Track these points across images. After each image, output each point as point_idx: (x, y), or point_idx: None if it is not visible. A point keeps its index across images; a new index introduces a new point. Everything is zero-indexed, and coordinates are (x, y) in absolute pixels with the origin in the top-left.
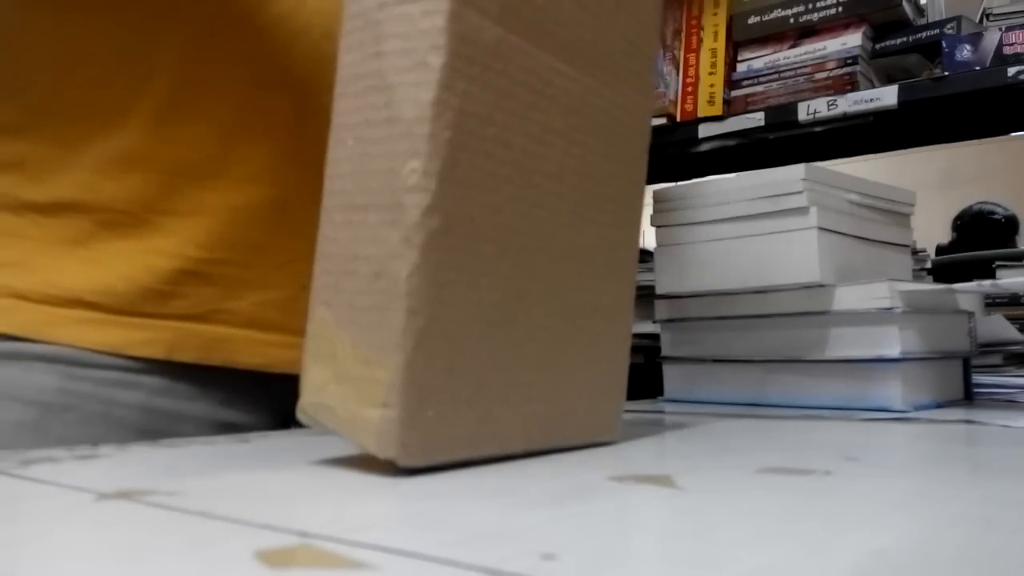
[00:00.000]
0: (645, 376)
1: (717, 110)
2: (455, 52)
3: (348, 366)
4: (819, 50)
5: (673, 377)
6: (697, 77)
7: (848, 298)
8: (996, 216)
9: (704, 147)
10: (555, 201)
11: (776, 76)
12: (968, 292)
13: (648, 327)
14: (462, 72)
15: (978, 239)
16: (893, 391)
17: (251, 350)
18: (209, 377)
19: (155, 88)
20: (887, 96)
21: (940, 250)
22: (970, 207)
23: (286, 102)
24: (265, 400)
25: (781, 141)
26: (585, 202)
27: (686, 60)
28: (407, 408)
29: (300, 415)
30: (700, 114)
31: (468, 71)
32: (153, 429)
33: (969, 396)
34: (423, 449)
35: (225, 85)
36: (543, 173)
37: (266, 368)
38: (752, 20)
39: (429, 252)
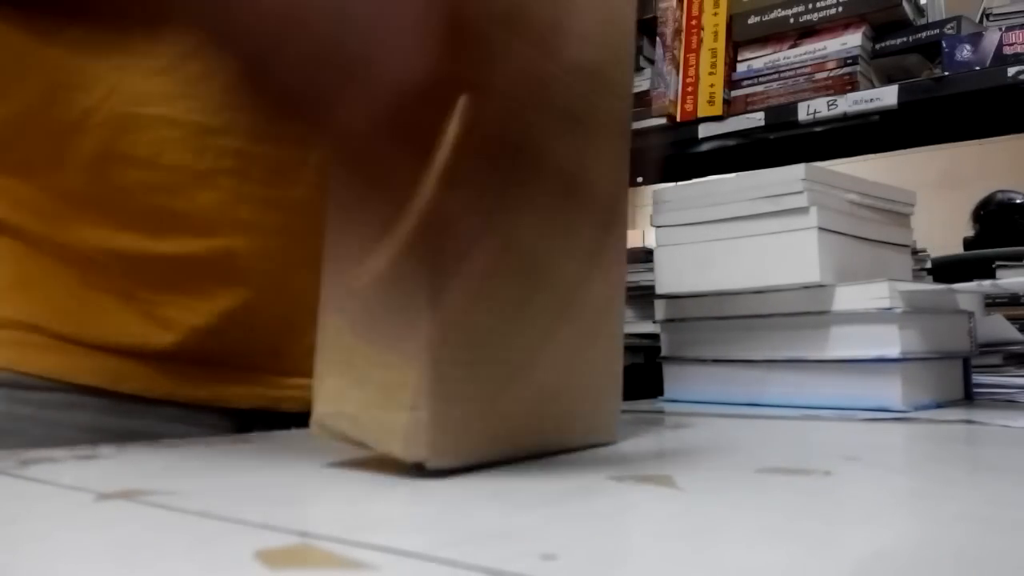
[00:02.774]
0: (645, 376)
1: (717, 110)
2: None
3: (368, 371)
4: (819, 50)
5: (673, 377)
6: (697, 77)
7: (848, 298)
8: (1020, 202)
9: (704, 147)
10: (554, 201)
11: (776, 76)
12: (968, 292)
13: (648, 327)
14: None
15: (1005, 228)
16: (893, 391)
17: (197, 385)
18: (155, 399)
19: (86, 132)
20: (887, 96)
21: (968, 243)
22: (992, 196)
23: (228, 150)
24: (213, 418)
25: (781, 141)
26: (579, 203)
27: (686, 60)
28: (435, 409)
29: (314, 428)
30: (700, 114)
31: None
32: None
33: (969, 396)
34: (451, 450)
35: (159, 134)
36: (542, 173)
37: (212, 403)
38: (752, 20)
39: (447, 250)
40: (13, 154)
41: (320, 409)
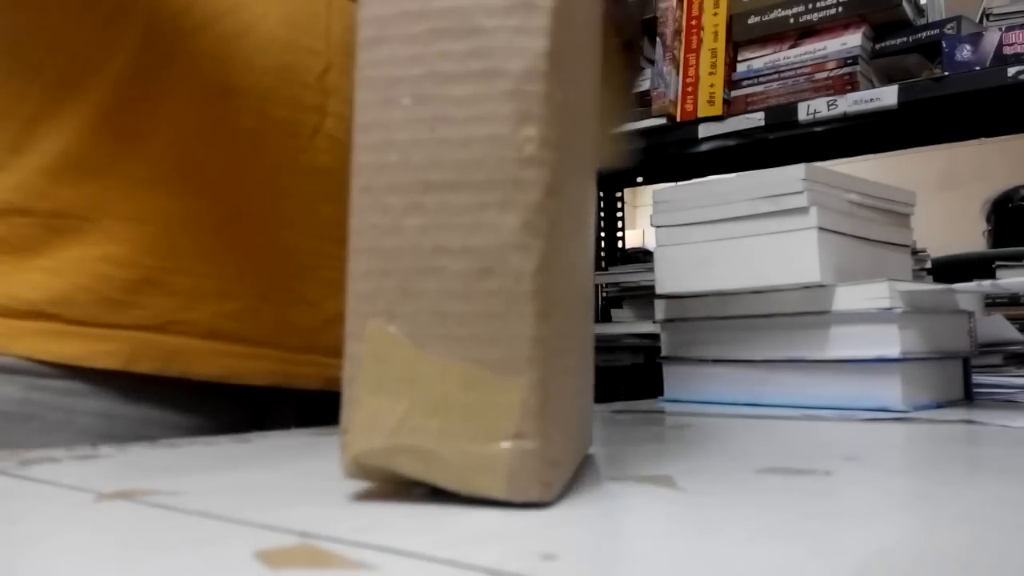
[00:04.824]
0: (645, 376)
1: (717, 110)
2: None
3: (445, 392)
4: (819, 50)
5: (673, 377)
6: (697, 77)
7: (848, 298)
8: None
9: (704, 147)
10: (572, 197)
11: (776, 76)
12: (968, 292)
13: (648, 327)
14: (560, 22)
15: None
16: (893, 391)
17: (210, 361)
18: (171, 383)
19: (102, 92)
20: (887, 96)
21: (990, 237)
22: (1016, 190)
23: (246, 113)
24: (228, 403)
25: (781, 141)
26: (577, 208)
27: (686, 60)
28: (544, 435)
29: (350, 469)
30: (700, 114)
31: (561, 23)
32: (116, 435)
33: (969, 396)
34: (556, 482)
35: (180, 93)
36: (577, 154)
37: (225, 379)
38: (752, 20)
39: (550, 240)
40: (32, 120)
41: (362, 445)
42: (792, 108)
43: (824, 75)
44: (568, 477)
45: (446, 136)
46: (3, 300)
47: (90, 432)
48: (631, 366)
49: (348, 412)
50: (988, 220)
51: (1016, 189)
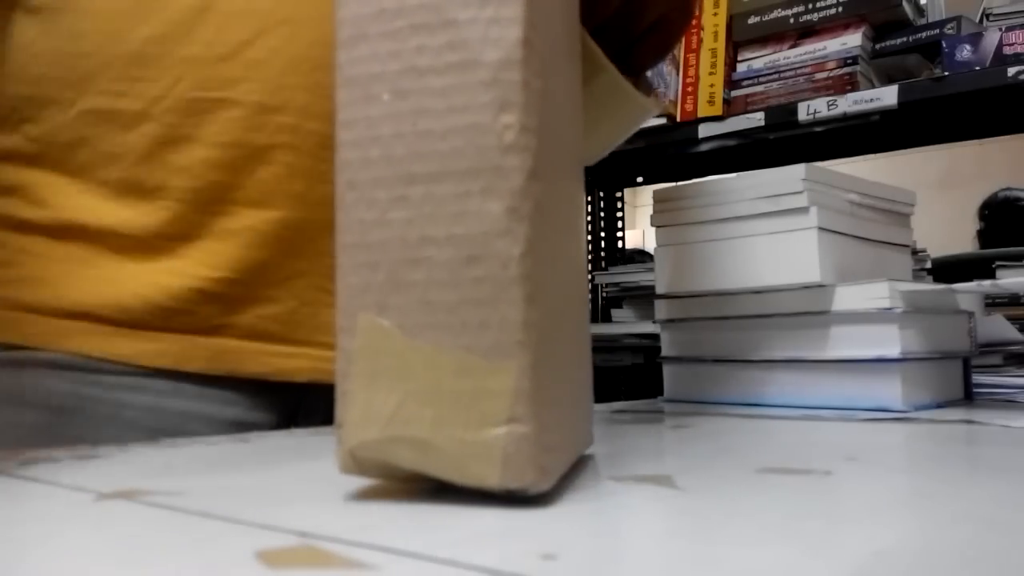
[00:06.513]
0: (645, 376)
1: (717, 110)
2: None
3: (437, 380)
4: (819, 50)
5: (673, 377)
6: (697, 77)
7: (848, 298)
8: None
9: (704, 147)
10: (558, 184)
11: (776, 76)
12: (968, 292)
13: (648, 327)
14: (535, 11)
15: (1008, 226)
16: (893, 391)
17: (255, 360)
18: (213, 380)
19: (152, 119)
20: (887, 96)
21: (980, 236)
22: (997, 194)
23: (285, 130)
24: (269, 399)
25: (781, 141)
26: (564, 195)
27: (686, 60)
28: (539, 420)
29: (346, 464)
30: (700, 114)
31: (536, 12)
32: (162, 428)
33: (969, 396)
34: (551, 470)
35: (222, 115)
36: (561, 147)
37: (269, 377)
38: (752, 20)
39: (535, 226)
40: (81, 153)
41: (357, 437)
42: (792, 108)
43: (824, 75)
44: (564, 467)
45: (427, 128)
46: (53, 302)
47: (137, 426)
48: (631, 366)
49: (342, 407)
50: (979, 221)
51: (996, 193)
